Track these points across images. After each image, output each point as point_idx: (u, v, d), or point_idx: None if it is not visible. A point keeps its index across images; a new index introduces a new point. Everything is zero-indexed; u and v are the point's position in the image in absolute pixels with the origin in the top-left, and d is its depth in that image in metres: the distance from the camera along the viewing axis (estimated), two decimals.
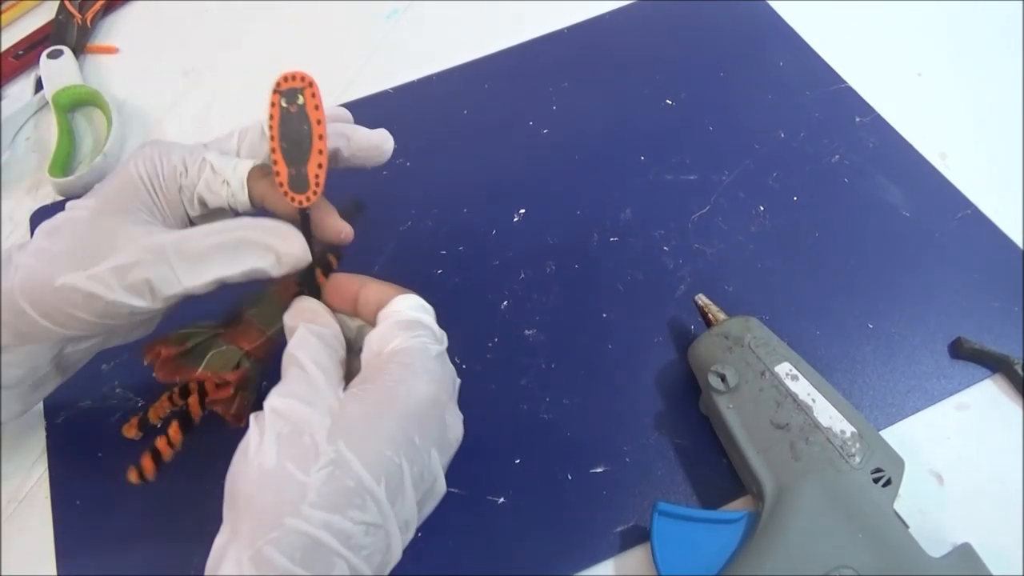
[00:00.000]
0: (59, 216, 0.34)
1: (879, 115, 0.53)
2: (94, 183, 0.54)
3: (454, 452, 0.32)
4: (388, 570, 0.28)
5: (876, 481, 0.34)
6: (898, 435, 0.40)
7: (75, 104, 0.59)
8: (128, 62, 0.64)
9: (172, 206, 0.35)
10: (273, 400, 0.29)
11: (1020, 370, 0.40)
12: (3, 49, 0.64)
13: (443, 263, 0.48)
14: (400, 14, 0.65)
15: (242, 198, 0.35)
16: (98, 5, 0.65)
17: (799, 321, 0.44)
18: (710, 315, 0.41)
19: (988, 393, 0.41)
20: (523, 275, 0.47)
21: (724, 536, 0.34)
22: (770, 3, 0.60)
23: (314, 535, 0.25)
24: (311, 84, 0.33)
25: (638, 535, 0.37)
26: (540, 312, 0.46)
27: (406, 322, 0.32)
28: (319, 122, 0.33)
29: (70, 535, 0.40)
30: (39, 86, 0.60)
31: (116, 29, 0.67)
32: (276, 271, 0.33)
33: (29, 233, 0.53)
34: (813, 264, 0.46)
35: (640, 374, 0.43)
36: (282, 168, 0.34)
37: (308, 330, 0.32)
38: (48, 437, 0.44)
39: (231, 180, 0.35)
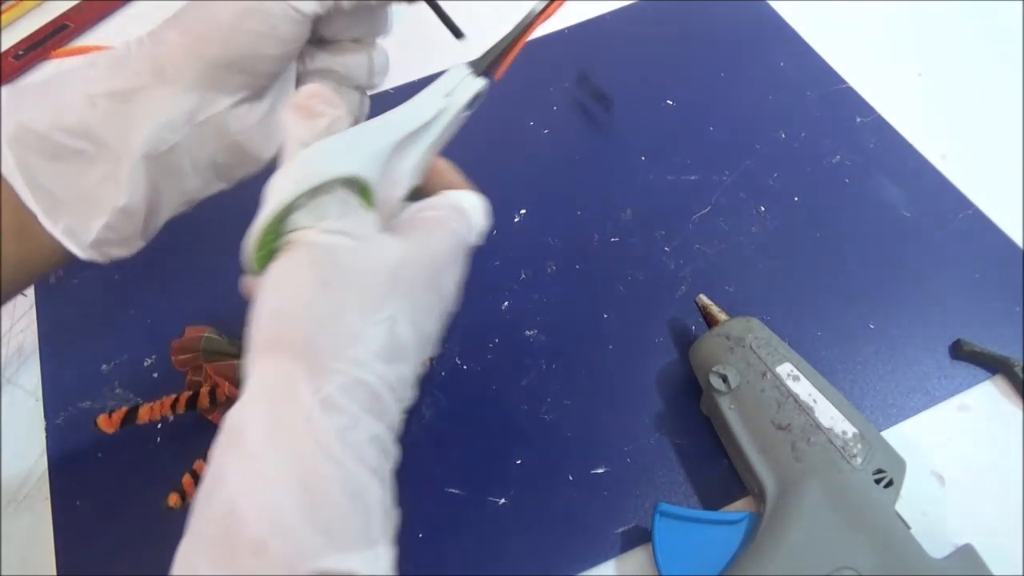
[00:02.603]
0: None
1: (880, 115, 0.53)
2: None
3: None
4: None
5: (878, 482, 0.34)
6: (899, 436, 0.40)
7: None
8: None
9: None
10: (317, 236, 0.26)
11: (1020, 372, 0.40)
12: (3, 49, 0.64)
13: None
14: (400, 14, 0.65)
15: None
16: None
17: (800, 322, 0.44)
18: (711, 315, 0.41)
19: (989, 394, 0.41)
20: (523, 275, 0.47)
21: (726, 537, 0.34)
22: (770, 3, 0.60)
23: (374, 385, 0.25)
24: None
25: (639, 536, 0.37)
26: (541, 313, 0.45)
27: (459, 208, 0.32)
28: None
29: (70, 535, 0.40)
30: None
31: (116, 29, 0.66)
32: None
33: None
34: (814, 264, 0.46)
35: (641, 374, 0.43)
36: None
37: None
38: (48, 437, 0.43)
39: None
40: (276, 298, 0.26)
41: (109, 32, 0.66)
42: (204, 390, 0.38)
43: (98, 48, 0.64)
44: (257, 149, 0.34)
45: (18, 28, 0.66)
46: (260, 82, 0.32)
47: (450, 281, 0.29)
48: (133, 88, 0.30)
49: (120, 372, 0.45)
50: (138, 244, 0.32)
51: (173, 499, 0.36)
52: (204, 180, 0.33)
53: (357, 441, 0.24)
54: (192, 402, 0.38)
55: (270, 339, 0.25)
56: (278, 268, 0.26)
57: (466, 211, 0.32)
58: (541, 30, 0.61)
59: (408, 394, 0.27)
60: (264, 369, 0.25)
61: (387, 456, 0.25)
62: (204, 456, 0.38)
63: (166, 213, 0.33)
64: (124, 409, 0.38)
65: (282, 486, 0.22)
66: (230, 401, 0.39)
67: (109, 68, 0.30)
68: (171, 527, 0.39)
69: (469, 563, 0.37)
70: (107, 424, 0.38)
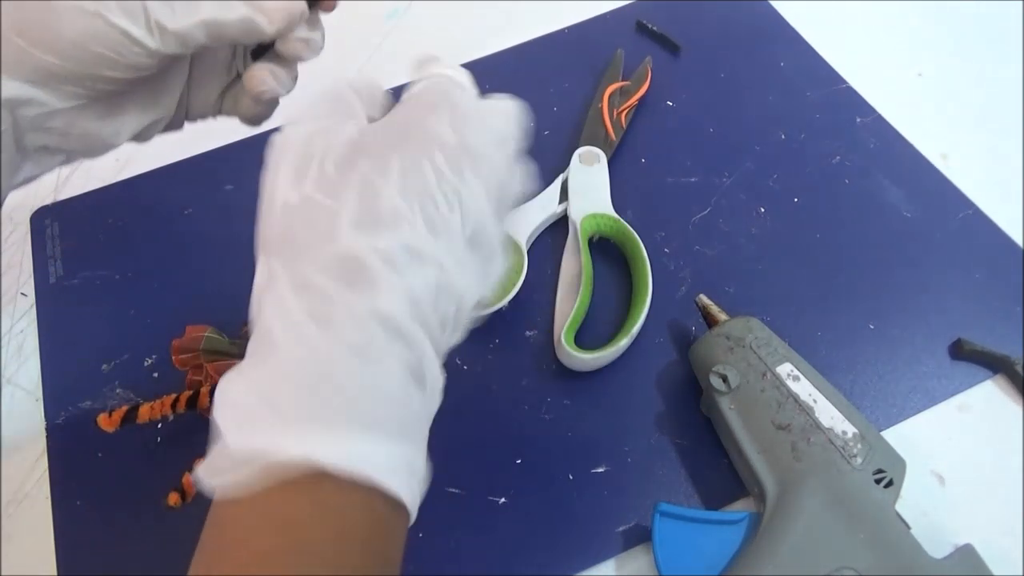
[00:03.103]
0: None
1: (880, 115, 0.53)
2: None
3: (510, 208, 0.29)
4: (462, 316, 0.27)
5: (878, 482, 0.34)
6: (899, 436, 0.40)
7: None
8: None
9: None
10: (287, 129, 0.27)
11: (1020, 370, 0.40)
12: None
13: None
14: (400, 14, 0.65)
15: None
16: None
17: (800, 322, 0.44)
18: (711, 315, 0.41)
19: (989, 394, 0.41)
20: (524, 276, 0.47)
21: (726, 537, 0.34)
22: (771, 3, 0.60)
23: (355, 255, 0.24)
24: None
25: (639, 535, 0.37)
26: (541, 313, 0.45)
27: (441, 77, 0.31)
28: None
29: (70, 535, 0.40)
30: None
31: None
32: (269, 28, 0.33)
33: (29, 233, 0.53)
34: (814, 265, 0.46)
35: (641, 374, 0.43)
36: None
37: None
38: (48, 437, 0.43)
39: None
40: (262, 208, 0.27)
41: None
42: (204, 390, 0.38)
43: None
44: (108, 138, 0.34)
45: None
46: (107, 91, 0.32)
47: (439, 126, 0.27)
48: None
49: (120, 372, 0.45)
50: None
51: (173, 499, 0.36)
52: (36, 163, 0.33)
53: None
54: (192, 402, 0.38)
55: (260, 247, 0.27)
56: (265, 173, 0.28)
57: (455, 79, 0.31)
58: (540, 31, 0.61)
59: (419, 273, 0.25)
60: (257, 278, 0.26)
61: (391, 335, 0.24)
62: (204, 456, 0.38)
63: (3, 194, 0.33)
64: (124, 409, 0.38)
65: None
66: None
67: None
68: (171, 527, 0.39)
69: (469, 563, 0.37)
70: (107, 423, 0.38)
